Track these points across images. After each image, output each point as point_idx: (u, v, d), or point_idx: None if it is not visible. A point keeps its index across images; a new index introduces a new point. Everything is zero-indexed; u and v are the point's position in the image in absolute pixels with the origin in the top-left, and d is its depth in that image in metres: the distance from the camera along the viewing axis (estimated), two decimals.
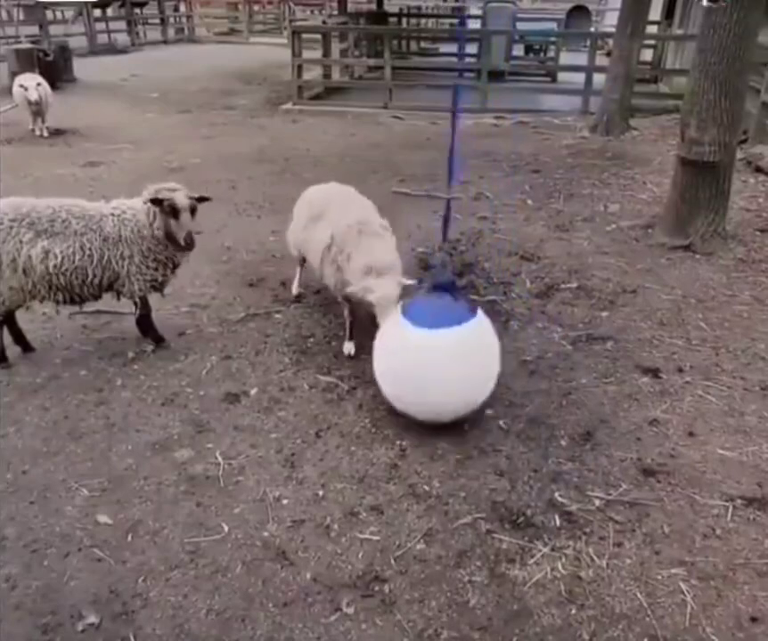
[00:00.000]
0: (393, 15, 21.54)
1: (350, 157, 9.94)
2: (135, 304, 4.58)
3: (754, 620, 2.72)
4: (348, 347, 4.68)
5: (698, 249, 6.32)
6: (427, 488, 3.45)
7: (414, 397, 3.75)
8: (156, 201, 4.20)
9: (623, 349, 4.71)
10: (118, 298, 4.57)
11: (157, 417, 3.98)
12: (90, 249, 4.22)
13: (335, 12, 19.68)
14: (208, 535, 3.15)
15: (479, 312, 3.85)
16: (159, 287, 4.56)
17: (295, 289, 5.51)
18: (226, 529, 3.18)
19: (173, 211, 4.17)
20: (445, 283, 3.91)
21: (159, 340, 4.74)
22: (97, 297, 4.48)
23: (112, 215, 4.33)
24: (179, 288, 5.34)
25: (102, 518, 3.22)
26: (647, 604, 2.80)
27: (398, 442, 3.78)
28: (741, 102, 6.29)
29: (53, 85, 12.13)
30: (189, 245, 4.23)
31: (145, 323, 4.72)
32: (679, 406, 4.11)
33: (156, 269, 4.42)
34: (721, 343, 4.80)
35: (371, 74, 16.96)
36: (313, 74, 15.68)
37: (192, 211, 4.23)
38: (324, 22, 17.32)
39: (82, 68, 17.02)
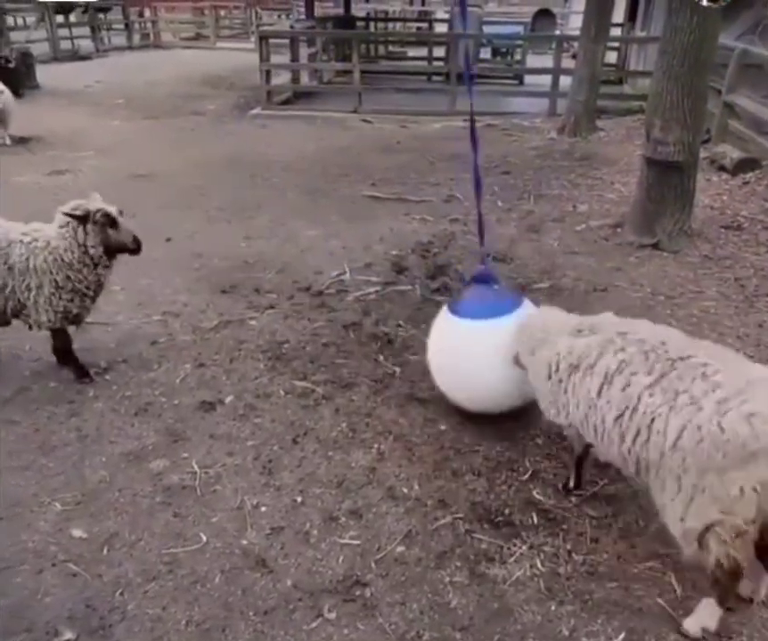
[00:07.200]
0: (360, 19, 21.60)
1: (320, 161, 9.91)
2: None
3: (728, 608, 2.77)
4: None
5: (666, 247, 6.45)
6: (405, 490, 3.45)
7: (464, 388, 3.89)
8: (83, 218, 3.88)
9: None
10: (30, 328, 4.21)
11: (131, 428, 3.92)
12: None
13: (302, 17, 19.63)
14: (186, 545, 3.11)
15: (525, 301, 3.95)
16: (74, 319, 4.19)
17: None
18: (204, 538, 3.14)
19: (110, 221, 3.92)
20: (485, 276, 4.00)
21: (82, 375, 4.32)
22: (1, 324, 4.21)
23: (21, 242, 3.97)
24: (150, 297, 5.27)
25: (77, 532, 3.16)
26: (624, 598, 2.84)
27: (376, 446, 3.78)
28: (704, 103, 6.43)
29: (16, 93, 11.87)
30: (139, 245, 4.04)
31: (64, 356, 4.36)
32: None
33: (71, 300, 4.04)
34: None
35: (340, 78, 16.93)
36: (281, 79, 15.63)
37: (120, 214, 4.03)
38: (292, 27, 17.29)
39: (45, 74, 16.70)
